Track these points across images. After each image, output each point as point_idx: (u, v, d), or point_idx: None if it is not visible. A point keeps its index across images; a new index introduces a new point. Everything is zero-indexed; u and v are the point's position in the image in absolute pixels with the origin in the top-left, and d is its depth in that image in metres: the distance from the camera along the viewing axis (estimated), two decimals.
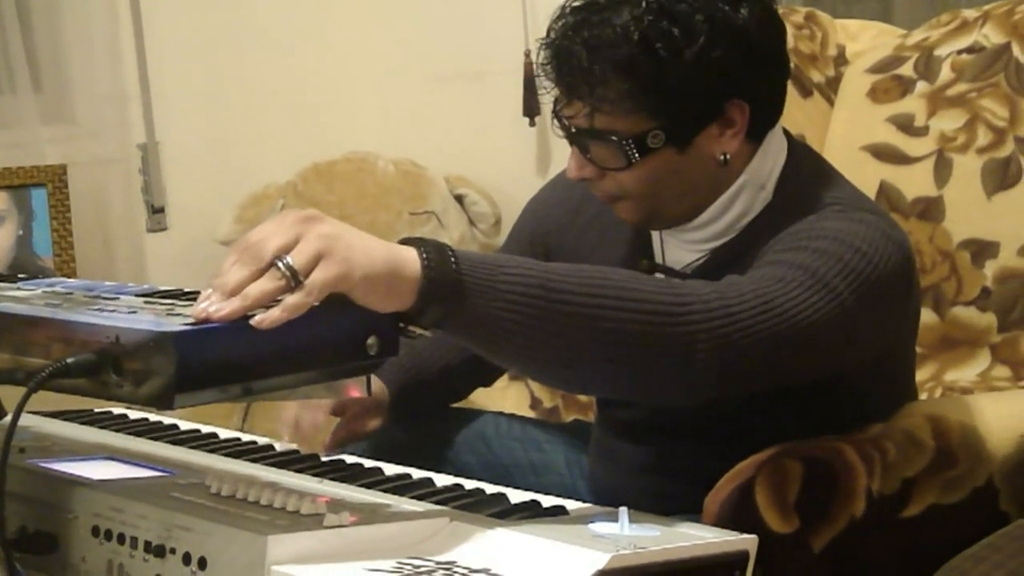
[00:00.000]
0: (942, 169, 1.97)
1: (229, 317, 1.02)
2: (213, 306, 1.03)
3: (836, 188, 1.43)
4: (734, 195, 1.42)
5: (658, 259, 1.49)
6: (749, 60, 1.37)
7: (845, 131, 2.07)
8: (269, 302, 1.04)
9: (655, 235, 1.50)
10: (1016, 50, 1.94)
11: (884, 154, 2.02)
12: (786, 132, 1.47)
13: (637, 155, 1.36)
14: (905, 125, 2.01)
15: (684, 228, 1.45)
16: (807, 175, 1.44)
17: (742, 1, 1.36)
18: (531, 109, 3.04)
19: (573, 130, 1.39)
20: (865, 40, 2.15)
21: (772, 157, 1.43)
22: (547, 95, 1.42)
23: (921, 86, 2.02)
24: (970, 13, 2.04)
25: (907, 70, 2.04)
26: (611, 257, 1.52)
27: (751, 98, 1.38)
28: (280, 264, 1.04)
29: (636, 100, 1.34)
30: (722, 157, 1.39)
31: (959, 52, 2.00)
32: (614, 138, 1.36)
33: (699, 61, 1.33)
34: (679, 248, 1.47)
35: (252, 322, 1.02)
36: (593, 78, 1.34)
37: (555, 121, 1.41)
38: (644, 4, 1.33)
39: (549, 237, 1.61)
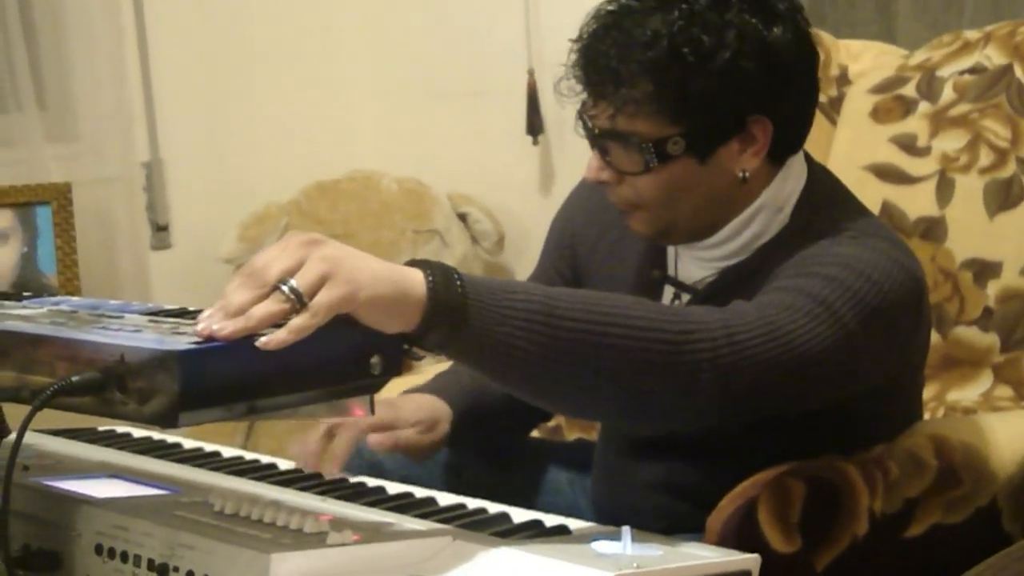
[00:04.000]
0: (944, 189, 1.97)
1: (232, 336, 1.03)
2: (216, 324, 1.03)
3: (852, 215, 1.42)
4: (751, 216, 1.41)
5: (671, 271, 1.49)
6: (776, 78, 1.36)
7: (848, 151, 2.07)
8: (273, 324, 1.04)
9: (670, 248, 1.50)
10: (1018, 71, 1.95)
11: (886, 174, 2.02)
12: (807, 156, 1.47)
13: (656, 159, 1.36)
14: (907, 145, 2.02)
15: (697, 246, 1.45)
16: (824, 200, 1.44)
17: (776, 20, 1.36)
18: (534, 127, 3.04)
19: (596, 131, 1.39)
20: (867, 60, 2.16)
21: (792, 181, 1.43)
22: (573, 98, 1.41)
23: (923, 106, 2.02)
24: (972, 34, 2.05)
25: (909, 90, 2.04)
26: (626, 264, 1.52)
27: (775, 117, 1.38)
28: (284, 287, 1.05)
29: (659, 103, 1.34)
30: (742, 174, 1.38)
31: (961, 73, 2.01)
32: (635, 140, 1.36)
33: (725, 71, 1.33)
34: (692, 263, 1.47)
35: (258, 343, 1.03)
36: (619, 78, 1.35)
37: (579, 122, 1.41)
38: (677, 11, 1.34)
39: (576, 239, 1.61)
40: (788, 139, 1.41)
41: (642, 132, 1.36)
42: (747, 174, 1.39)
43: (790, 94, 1.39)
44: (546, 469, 1.68)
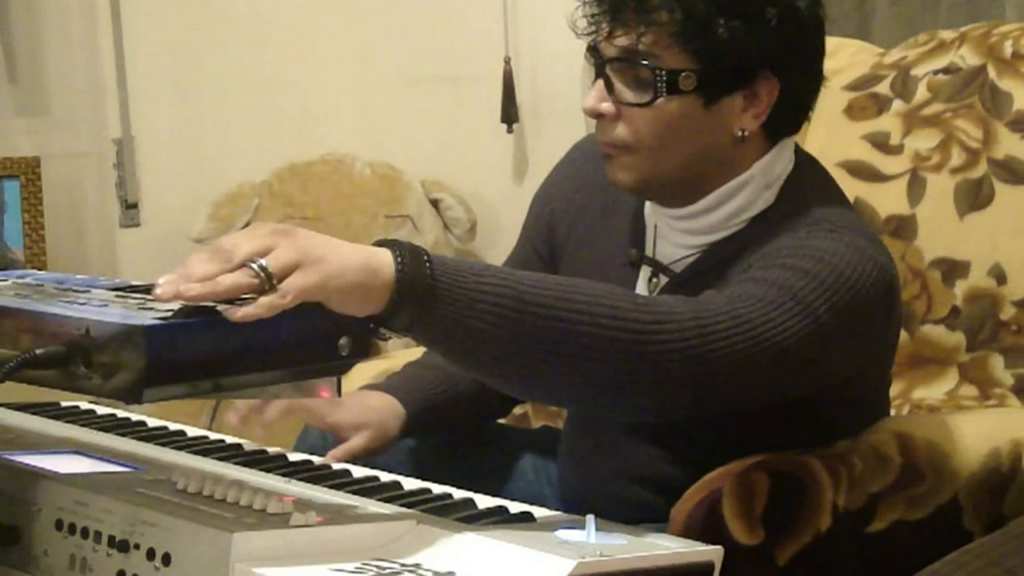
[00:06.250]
0: (916, 188, 1.98)
1: (198, 298, 1.02)
2: (182, 285, 1.02)
3: (833, 206, 1.43)
4: (740, 186, 1.41)
5: (649, 252, 1.49)
6: (795, 40, 1.38)
7: (821, 147, 2.07)
8: (238, 296, 1.03)
9: (649, 227, 1.49)
10: (991, 72, 1.96)
11: (859, 171, 2.03)
12: (796, 145, 1.48)
13: (665, 90, 1.35)
14: (880, 143, 2.03)
15: (680, 214, 1.44)
16: (808, 188, 1.44)
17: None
18: (509, 116, 3.04)
19: (605, 59, 1.38)
20: (843, 58, 2.16)
21: (783, 163, 1.44)
22: (586, 30, 1.39)
23: (897, 105, 2.03)
24: (947, 34, 2.06)
25: (884, 88, 2.05)
26: (603, 246, 1.52)
27: (783, 81, 1.38)
28: (253, 265, 1.04)
29: (682, 34, 1.34)
30: (740, 133, 1.38)
31: (935, 72, 2.01)
32: (649, 66, 1.35)
33: (753, 16, 1.34)
34: (671, 243, 1.46)
35: (225, 312, 1.02)
36: (646, 3, 1.34)
37: (589, 55, 1.40)
38: None
39: (553, 219, 1.60)
40: (787, 113, 1.41)
41: (657, 60, 1.35)
42: (745, 133, 1.38)
43: (802, 62, 1.40)
44: (512, 456, 1.68)
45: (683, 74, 1.35)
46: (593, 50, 1.40)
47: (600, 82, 1.39)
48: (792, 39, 1.38)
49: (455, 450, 1.66)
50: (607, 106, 1.39)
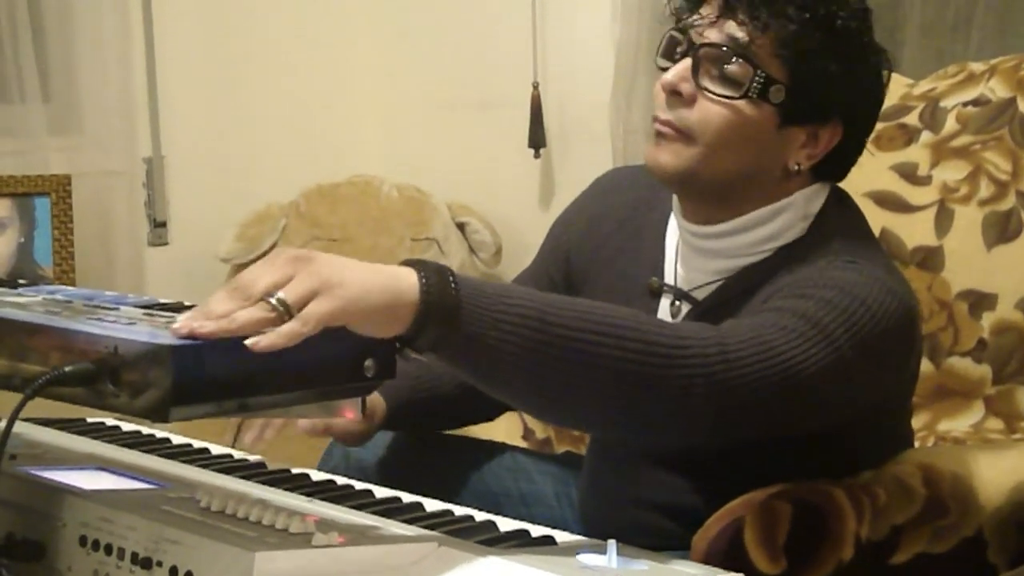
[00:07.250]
0: (943, 219, 1.98)
1: (211, 335, 1.02)
2: (196, 322, 1.03)
3: (856, 241, 1.43)
4: (777, 211, 1.42)
5: (669, 279, 1.49)
6: (872, 99, 1.44)
7: (849, 177, 2.07)
8: (257, 331, 1.03)
9: (669, 253, 1.50)
10: (1021, 104, 1.96)
11: (887, 202, 2.03)
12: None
13: (756, 93, 1.37)
14: (908, 174, 2.02)
15: (709, 232, 1.44)
16: (836, 221, 1.45)
17: (886, 62, 1.44)
18: (536, 140, 3.05)
19: (702, 42, 1.38)
20: None
21: (821, 199, 1.46)
22: (682, 13, 1.41)
23: (926, 136, 2.03)
24: (977, 66, 2.06)
25: (912, 119, 2.05)
26: (625, 275, 1.52)
27: (847, 130, 1.42)
28: (272, 299, 1.04)
29: (791, 49, 1.36)
30: (796, 167, 1.41)
31: (965, 104, 2.01)
32: (751, 64, 1.36)
33: (853, 62, 1.39)
34: (693, 268, 1.47)
35: (247, 343, 1.02)
36: (775, 6, 1.36)
37: (683, 34, 1.40)
38: None
39: (571, 247, 1.61)
40: (838, 161, 1.44)
41: (759, 63, 1.37)
42: (800, 168, 1.41)
43: (869, 119, 1.45)
44: (534, 481, 1.68)
45: (777, 85, 1.37)
46: (682, 31, 1.41)
47: (688, 62, 1.39)
48: (871, 96, 1.43)
49: (478, 473, 1.67)
50: (688, 87, 1.39)
